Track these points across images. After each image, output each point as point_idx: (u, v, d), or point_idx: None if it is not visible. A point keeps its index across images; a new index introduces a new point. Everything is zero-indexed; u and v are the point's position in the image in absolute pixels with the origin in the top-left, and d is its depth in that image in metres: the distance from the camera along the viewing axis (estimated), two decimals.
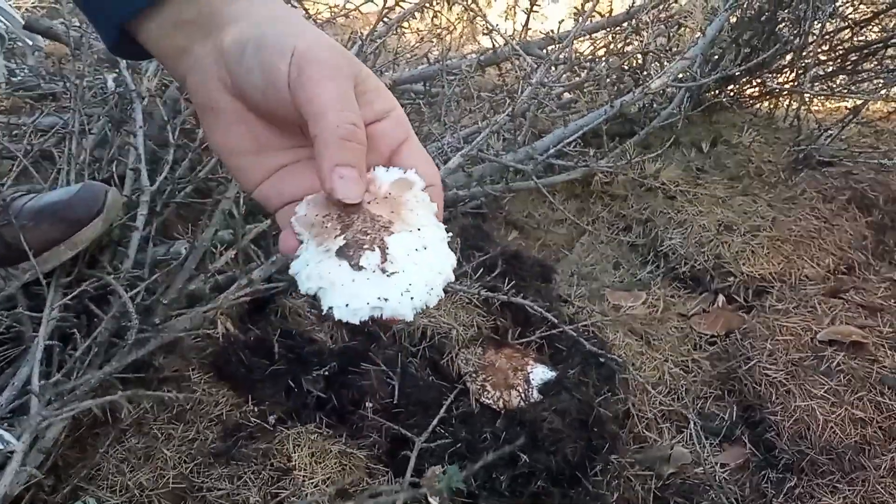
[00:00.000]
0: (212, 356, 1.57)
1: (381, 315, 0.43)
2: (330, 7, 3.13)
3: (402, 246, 0.45)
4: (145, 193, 1.53)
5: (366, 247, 0.44)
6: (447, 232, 0.49)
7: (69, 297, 1.35)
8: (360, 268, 0.44)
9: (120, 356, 1.32)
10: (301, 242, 0.46)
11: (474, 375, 1.63)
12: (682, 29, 2.38)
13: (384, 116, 0.49)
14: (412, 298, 0.44)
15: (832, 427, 1.50)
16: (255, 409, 1.50)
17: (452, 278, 0.47)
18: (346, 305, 0.43)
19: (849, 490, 1.41)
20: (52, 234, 1.34)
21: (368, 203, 0.47)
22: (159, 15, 0.47)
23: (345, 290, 0.43)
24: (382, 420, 1.50)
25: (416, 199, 0.48)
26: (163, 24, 0.47)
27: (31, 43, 2.80)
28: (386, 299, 0.43)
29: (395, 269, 0.44)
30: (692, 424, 1.58)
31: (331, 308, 0.43)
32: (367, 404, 1.54)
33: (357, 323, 0.43)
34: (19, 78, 2.70)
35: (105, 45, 0.52)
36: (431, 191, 0.49)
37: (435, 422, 1.49)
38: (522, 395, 1.60)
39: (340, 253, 0.44)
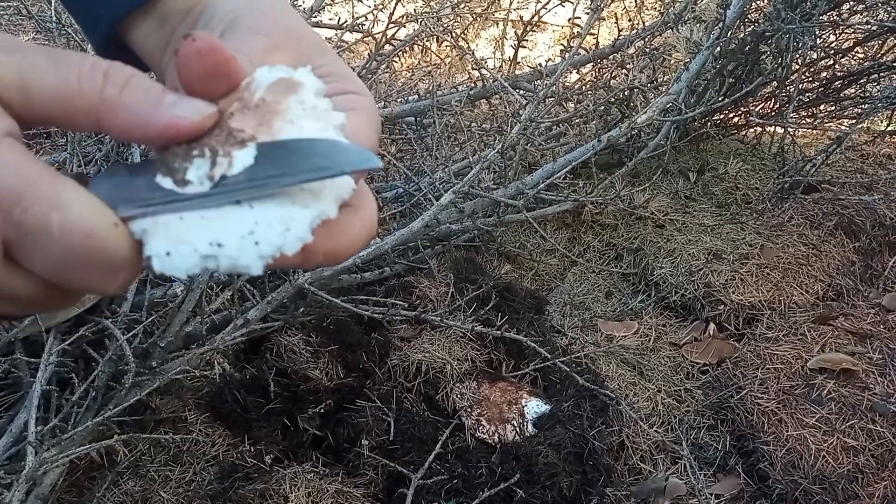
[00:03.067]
0: (208, 396, 1.58)
1: (217, 267, 0.31)
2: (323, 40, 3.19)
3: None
4: None
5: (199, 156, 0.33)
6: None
7: (67, 342, 1.37)
8: (186, 182, 0.32)
9: (117, 400, 1.34)
10: None
11: (469, 410, 1.65)
12: (667, 61, 2.43)
13: (337, 94, 0.40)
14: (257, 243, 0.31)
15: (824, 456, 1.52)
16: (252, 449, 1.50)
17: (333, 214, 0.33)
18: (168, 254, 0.31)
19: None
20: None
21: (232, 114, 0.34)
22: (151, 14, 0.44)
23: (169, 230, 0.31)
24: (379, 457, 1.51)
25: (303, 106, 0.34)
26: (152, 23, 0.45)
27: None
28: (220, 244, 0.31)
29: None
30: (686, 455, 1.59)
31: (148, 258, 0.31)
32: (363, 441, 1.55)
33: (184, 278, 0.31)
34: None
35: (93, 48, 0.48)
36: (356, 100, 0.38)
37: (431, 458, 1.50)
38: (517, 428, 1.61)
39: (164, 169, 0.33)
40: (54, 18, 2.24)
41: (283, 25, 0.41)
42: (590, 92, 2.38)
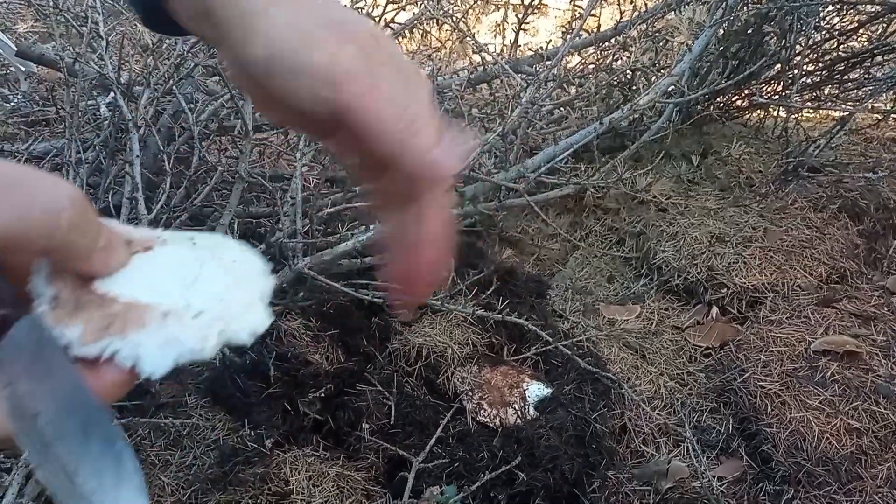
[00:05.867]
0: (208, 381, 1.58)
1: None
2: None
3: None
4: (143, 222, 1.54)
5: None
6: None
7: None
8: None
9: None
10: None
11: (470, 394, 1.64)
12: (670, 43, 2.40)
13: None
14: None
15: (828, 438, 1.51)
16: (252, 434, 1.50)
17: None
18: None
19: (846, 501, 1.41)
20: None
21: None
22: None
23: (235, 318, 0.35)
24: (379, 441, 1.50)
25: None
26: None
27: (23, 69, 2.83)
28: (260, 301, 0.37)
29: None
30: (688, 438, 1.58)
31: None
32: (363, 425, 1.55)
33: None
34: (12, 104, 2.73)
35: (139, 20, 0.47)
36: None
37: (432, 442, 1.49)
38: (519, 412, 1.61)
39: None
40: (52, 4, 2.23)
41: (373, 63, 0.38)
42: (592, 75, 2.35)
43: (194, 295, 0.35)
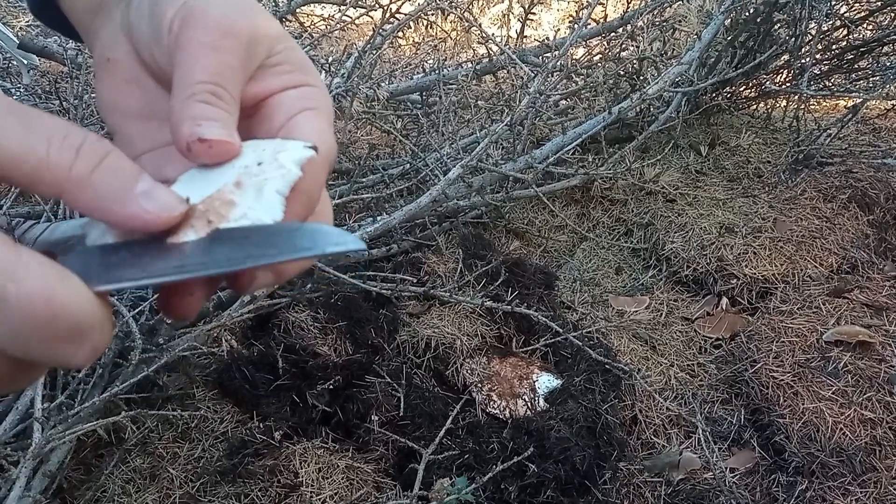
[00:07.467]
0: (216, 373, 1.56)
1: None
2: (325, 19, 3.14)
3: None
4: None
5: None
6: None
7: None
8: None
9: (124, 376, 1.32)
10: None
11: (480, 385, 1.63)
12: (678, 33, 2.38)
13: (294, 87, 0.39)
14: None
15: (841, 429, 1.50)
16: (261, 425, 1.49)
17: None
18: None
19: (861, 492, 1.40)
20: None
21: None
22: None
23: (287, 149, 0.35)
24: (389, 433, 1.49)
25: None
26: None
27: (25, 62, 2.82)
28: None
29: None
30: (700, 429, 1.57)
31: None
32: (372, 417, 1.53)
33: None
34: (15, 97, 2.71)
35: (29, 8, 0.46)
36: (313, 95, 0.39)
37: (442, 433, 1.48)
38: (529, 403, 1.59)
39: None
40: None
41: (239, 8, 0.38)
42: (599, 64, 2.33)
43: (246, 161, 0.35)
